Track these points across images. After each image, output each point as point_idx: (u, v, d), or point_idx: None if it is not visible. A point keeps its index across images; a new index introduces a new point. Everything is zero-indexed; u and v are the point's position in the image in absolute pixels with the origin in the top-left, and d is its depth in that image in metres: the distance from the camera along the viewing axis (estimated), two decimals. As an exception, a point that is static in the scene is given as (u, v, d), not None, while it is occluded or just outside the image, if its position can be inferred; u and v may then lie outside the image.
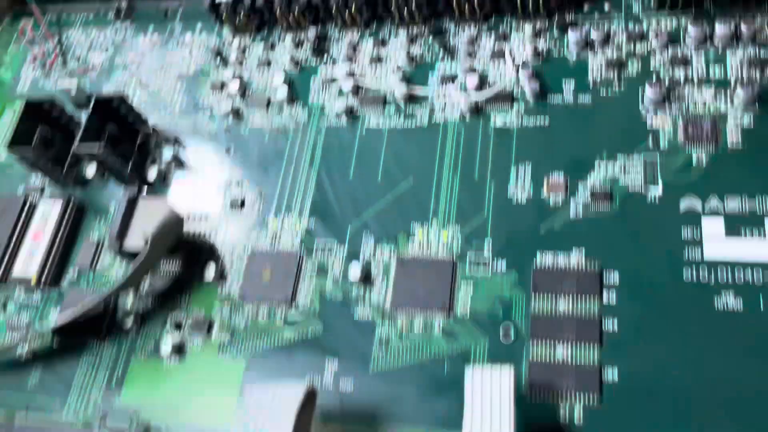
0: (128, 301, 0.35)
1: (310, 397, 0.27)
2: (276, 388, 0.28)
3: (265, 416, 0.27)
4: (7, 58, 0.47)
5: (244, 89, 0.40)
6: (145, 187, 0.38)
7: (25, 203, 0.38)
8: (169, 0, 0.45)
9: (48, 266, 0.36)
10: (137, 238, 0.34)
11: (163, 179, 0.38)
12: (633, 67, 0.35)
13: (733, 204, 0.31)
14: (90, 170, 0.39)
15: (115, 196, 0.38)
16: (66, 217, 0.38)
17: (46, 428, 0.33)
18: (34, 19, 0.47)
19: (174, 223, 0.34)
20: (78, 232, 0.38)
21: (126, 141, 0.38)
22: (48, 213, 0.38)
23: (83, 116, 0.37)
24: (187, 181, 0.38)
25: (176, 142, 0.39)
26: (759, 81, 0.33)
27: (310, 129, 0.38)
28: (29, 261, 0.37)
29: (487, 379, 0.27)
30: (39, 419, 0.33)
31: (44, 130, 0.38)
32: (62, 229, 0.37)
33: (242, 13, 0.41)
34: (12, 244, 0.37)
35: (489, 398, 0.26)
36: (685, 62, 0.34)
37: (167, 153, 0.39)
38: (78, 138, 0.35)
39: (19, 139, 0.37)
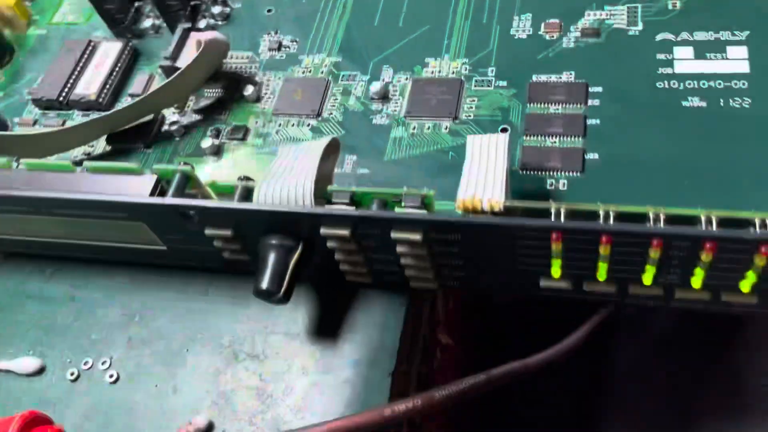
0: (173, 114, 0.40)
1: (334, 144, 0.32)
2: (304, 143, 0.32)
3: (294, 159, 0.31)
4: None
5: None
6: (196, 31, 0.44)
7: (89, 44, 0.44)
8: None
9: (106, 89, 0.42)
10: (188, 59, 0.40)
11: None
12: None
13: (701, 36, 0.36)
14: (147, 22, 0.45)
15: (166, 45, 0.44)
16: (124, 54, 0.43)
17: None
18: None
19: (221, 43, 0.40)
20: (133, 68, 0.44)
21: None
22: (108, 50, 0.43)
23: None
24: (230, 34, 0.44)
25: (224, 2, 0.45)
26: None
27: (342, -8, 0.44)
28: (89, 85, 0.42)
29: (485, 143, 0.31)
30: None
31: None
32: (120, 62, 0.43)
33: None
34: (75, 73, 0.43)
35: (486, 158, 0.31)
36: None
37: (216, 9, 0.45)
38: (145, -22, 0.41)
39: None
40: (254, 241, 0.31)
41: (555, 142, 0.34)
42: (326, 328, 0.34)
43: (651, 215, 0.25)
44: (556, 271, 0.28)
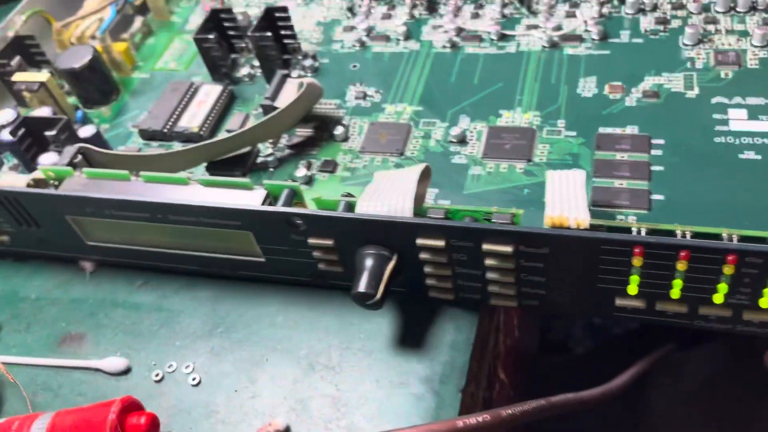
0: (268, 148, 0.45)
1: (426, 171, 0.36)
2: (399, 170, 0.36)
3: (391, 181, 0.35)
4: (179, 10, 0.60)
5: (369, 30, 0.52)
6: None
7: (191, 86, 0.49)
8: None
9: (207, 123, 0.46)
10: (285, 100, 0.44)
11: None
12: (675, 23, 0.46)
13: (753, 101, 0.40)
14: (243, 71, 0.50)
15: (260, 91, 0.49)
16: (223, 95, 0.48)
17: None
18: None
19: (316, 89, 0.44)
20: (230, 108, 0.49)
21: (278, 47, 0.49)
22: (209, 91, 0.48)
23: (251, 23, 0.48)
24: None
25: (314, 57, 0.51)
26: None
27: (422, 53, 0.49)
28: (192, 119, 0.47)
29: (563, 176, 0.35)
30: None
31: (217, 35, 0.49)
32: (219, 102, 0.48)
33: (373, -19, 0.54)
34: (179, 108, 0.47)
35: (566, 188, 0.34)
36: (714, 21, 0.46)
37: (306, 63, 0.50)
38: (252, 29, 0.47)
39: (201, 32, 0.49)
40: (351, 252, 0.34)
41: (622, 183, 0.38)
42: (399, 345, 0.36)
43: (725, 235, 0.28)
44: (633, 288, 0.31)
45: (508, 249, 0.31)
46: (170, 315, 0.40)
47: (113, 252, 0.41)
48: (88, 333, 0.40)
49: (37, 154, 0.45)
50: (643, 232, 0.29)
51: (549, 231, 0.30)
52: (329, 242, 0.34)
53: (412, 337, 0.37)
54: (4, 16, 0.55)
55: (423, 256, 0.33)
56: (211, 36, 0.48)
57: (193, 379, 0.37)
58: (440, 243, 0.32)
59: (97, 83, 0.50)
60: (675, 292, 0.31)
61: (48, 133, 0.44)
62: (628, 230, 0.30)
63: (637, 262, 0.29)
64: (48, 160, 0.44)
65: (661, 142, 0.39)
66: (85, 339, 0.40)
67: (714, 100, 0.41)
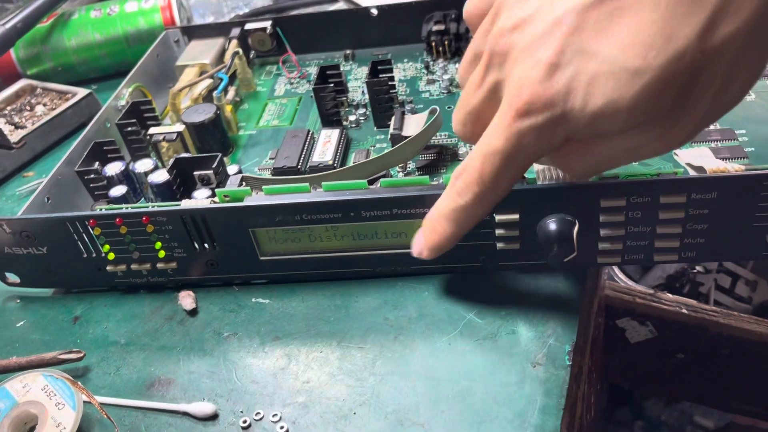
0: (399, 172, 0.50)
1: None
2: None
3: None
4: (261, 81, 0.66)
5: (450, 81, 0.60)
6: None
7: (308, 132, 0.54)
8: (380, 47, 0.67)
9: (338, 155, 0.51)
10: (413, 130, 0.50)
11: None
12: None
13: (802, 97, 0.50)
14: (351, 117, 0.56)
15: (369, 133, 0.55)
16: (342, 136, 0.54)
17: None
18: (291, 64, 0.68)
19: (440, 117, 0.51)
20: (349, 147, 0.54)
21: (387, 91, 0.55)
22: (330, 134, 0.54)
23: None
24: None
25: (411, 102, 0.57)
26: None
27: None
28: (323, 155, 0.51)
29: (694, 152, 0.42)
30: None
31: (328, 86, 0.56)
32: (341, 140, 0.53)
33: (445, 43, 0.62)
34: (305, 148, 0.52)
35: (699, 157, 0.41)
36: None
37: (407, 107, 0.57)
38: (366, 77, 0.54)
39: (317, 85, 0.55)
40: (533, 226, 0.39)
41: (727, 162, 0.45)
42: (484, 403, 0.36)
43: None
44: (784, 223, 0.37)
45: (682, 198, 0.37)
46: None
47: (284, 265, 0.44)
48: (177, 378, 0.41)
49: (183, 194, 0.48)
50: (790, 169, 0.36)
51: (719, 175, 0.36)
52: (515, 217, 0.39)
53: (497, 399, 0.36)
54: (111, 90, 0.59)
55: (604, 218, 0.38)
56: (329, 85, 0.54)
57: (281, 428, 0.37)
58: (621, 202, 0.38)
59: (218, 136, 0.55)
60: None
61: (199, 173, 0.48)
62: (776, 169, 0.37)
63: (793, 194, 0.36)
64: (202, 195, 0.47)
65: (743, 131, 0.48)
66: (174, 384, 0.41)
67: (772, 100, 0.50)
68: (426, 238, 0.38)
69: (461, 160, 0.50)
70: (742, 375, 0.61)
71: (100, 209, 0.45)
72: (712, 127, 0.49)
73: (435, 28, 0.63)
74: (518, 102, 0.30)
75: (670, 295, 0.60)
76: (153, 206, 0.44)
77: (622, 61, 0.28)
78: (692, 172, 0.40)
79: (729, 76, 0.28)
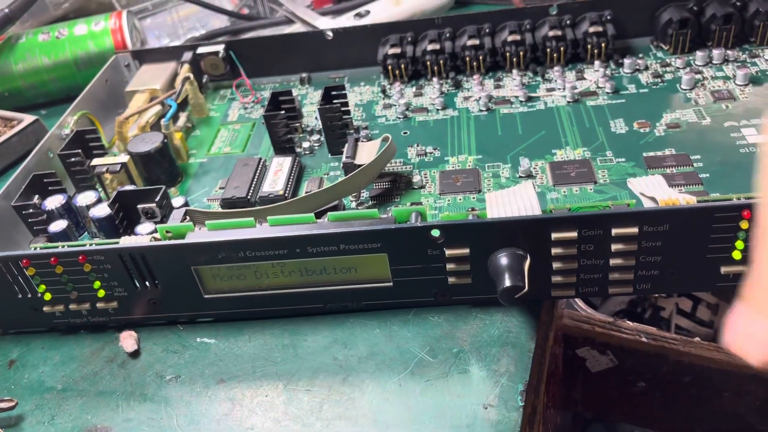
0: (352, 202, 0.48)
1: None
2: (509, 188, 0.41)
3: (509, 197, 0.40)
4: (214, 107, 0.64)
5: (407, 105, 0.59)
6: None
7: (260, 160, 0.53)
8: (336, 70, 0.66)
9: (289, 186, 0.50)
10: (366, 158, 0.49)
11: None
12: (667, 76, 0.56)
13: (756, 121, 0.49)
14: (305, 144, 0.55)
15: (323, 160, 0.54)
16: (295, 164, 0.52)
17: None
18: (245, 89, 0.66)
19: (393, 144, 0.49)
20: (302, 175, 0.52)
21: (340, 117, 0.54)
22: (282, 162, 0.52)
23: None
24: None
25: (366, 128, 0.56)
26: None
27: (462, 117, 0.56)
28: (274, 185, 0.50)
29: (645, 181, 0.41)
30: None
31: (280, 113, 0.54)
32: (293, 169, 0.51)
33: (402, 66, 0.61)
34: (256, 178, 0.51)
35: (654, 186, 0.40)
36: (699, 72, 0.56)
37: (363, 133, 0.55)
38: (319, 103, 0.52)
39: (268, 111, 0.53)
40: (482, 261, 0.38)
41: (682, 189, 0.44)
42: None
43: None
44: (737, 254, 0.37)
45: (634, 230, 0.36)
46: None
47: (230, 303, 0.42)
48: (114, 427, 0.39)
49: (126, 229, 0.46)
50: (742, 198, 0.36)
51: (671, 208, 0.36)
52: (465, 251, 0.38)
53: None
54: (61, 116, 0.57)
55: (556, 251, 0.37)
56: (281, 112, 0.53)
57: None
58: (573, 234, 0.37)
59: (166, 166, 0.53)
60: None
61: (143, 206, 0.46)
62: (729, 200, 0.36)
63: (745, 225, 0.35)
64: (146, 230, 0.45)
65: (699, 157, 0.47)
66: (111, 434, 0.39)
67: (726, 124, 0.50)
68: None
69: (415, 189, 0.49)
70: (703, 402, 0.61)
71: (35, 248, 0.43)
72: (667, 152, 0.48)
73: (391, 51, 0.62)
74: None
75: (629, 323, 0.59)
76: (90, 244, 0.42)
77: None
78: (646, 202, 0.39)
79: None
